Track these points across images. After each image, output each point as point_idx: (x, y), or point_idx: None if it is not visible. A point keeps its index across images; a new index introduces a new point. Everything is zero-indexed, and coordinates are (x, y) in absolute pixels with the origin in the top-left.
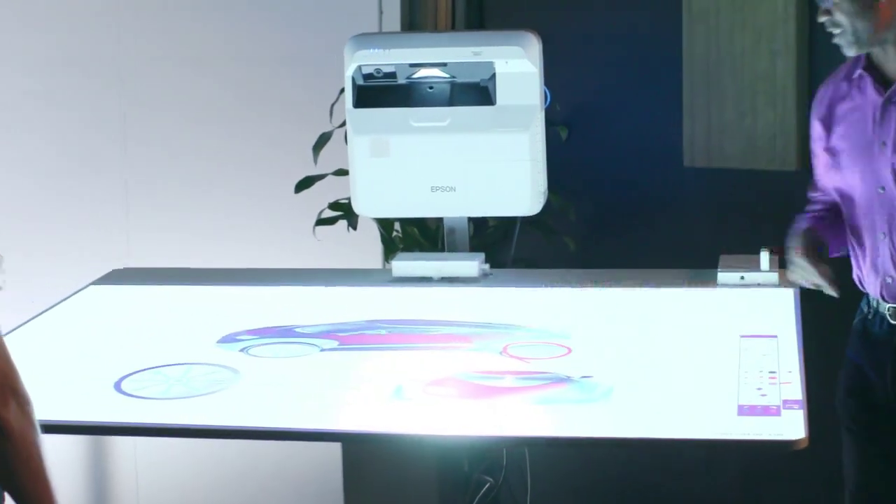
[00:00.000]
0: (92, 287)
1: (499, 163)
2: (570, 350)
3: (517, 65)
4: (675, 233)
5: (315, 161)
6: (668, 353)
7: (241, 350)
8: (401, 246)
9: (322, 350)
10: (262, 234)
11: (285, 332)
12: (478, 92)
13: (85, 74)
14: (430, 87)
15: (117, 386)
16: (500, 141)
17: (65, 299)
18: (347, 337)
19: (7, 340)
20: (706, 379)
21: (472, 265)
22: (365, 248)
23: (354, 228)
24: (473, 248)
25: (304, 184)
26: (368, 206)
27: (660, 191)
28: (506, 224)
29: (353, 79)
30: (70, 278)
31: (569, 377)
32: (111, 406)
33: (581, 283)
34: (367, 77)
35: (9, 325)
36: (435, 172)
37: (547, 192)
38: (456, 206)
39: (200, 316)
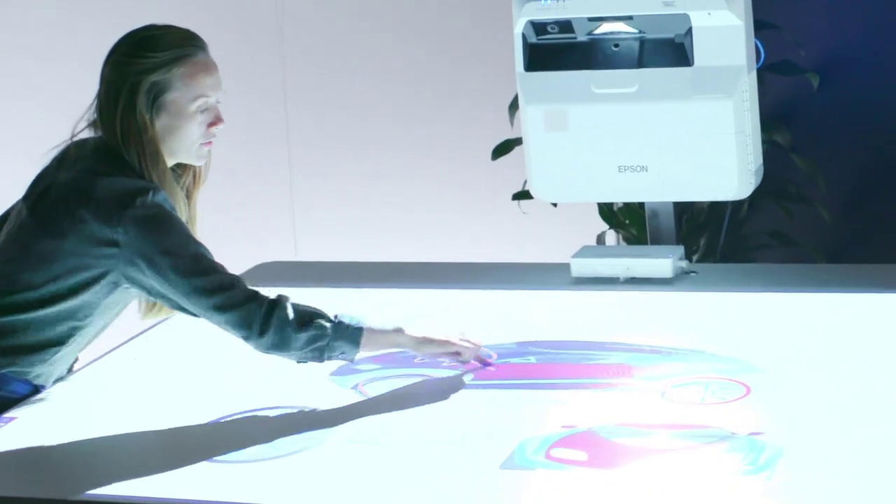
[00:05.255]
0: None
1: (698, 137)
2: (748, 390)
3: (719, 17)
4: None
5: (511, 123)
6: (876, 396)
7: (354, 387)
8: (626, 220)
9: None
10: (456, 207)
11: (410, 360)
12: (671, 50)
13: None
14: (615, 46)
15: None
16: (700, 110)
17: None
18: (486, 370)
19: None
20: None
21: (664, 264)
22: (579, 220)
23: (555, 204)
24: (707, 222)
25: (503, 149)
26: (546, 189)
27: None
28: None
29: (524, 36)
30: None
31: (733, 434)
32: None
33: (804, 285)
34: (540, 32)
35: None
36: (622, 149)
37: (762, 170)
38: (648, 190)
39: None
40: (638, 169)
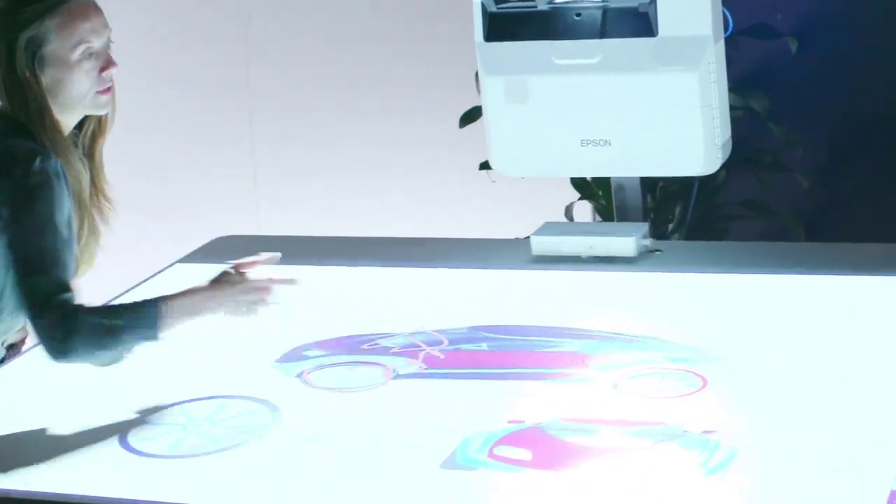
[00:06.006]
0: (178, 266)
1: (663, 110)
2: (705, 382)
3: None
4: None
5: (478, 90)
6: (837, 389)
7: (299, 375)
8: (598, 191)
9: (397, 376)
10: (424, 176)
11: (358, 347)
12: (635, 20)
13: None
14: (577, 15)
15: (125, 432)
16: (664, 82)
17: (143, 282)
18: (435, 357)
19: None
20: (865, 440)
21: (627, 243)
22: (550, 189)
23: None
24: (680, 191)
25: (470, 116)
26: (507, 163)
27: None
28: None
29: (483, 4)
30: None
31: (685, 432)
32: (111, 462)
33: (774, 265)
34: (500, 1)
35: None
36: (584, 122)
37: (730, 143)
38: (611, 164)
39: (281, 314)
40: (601, 143)
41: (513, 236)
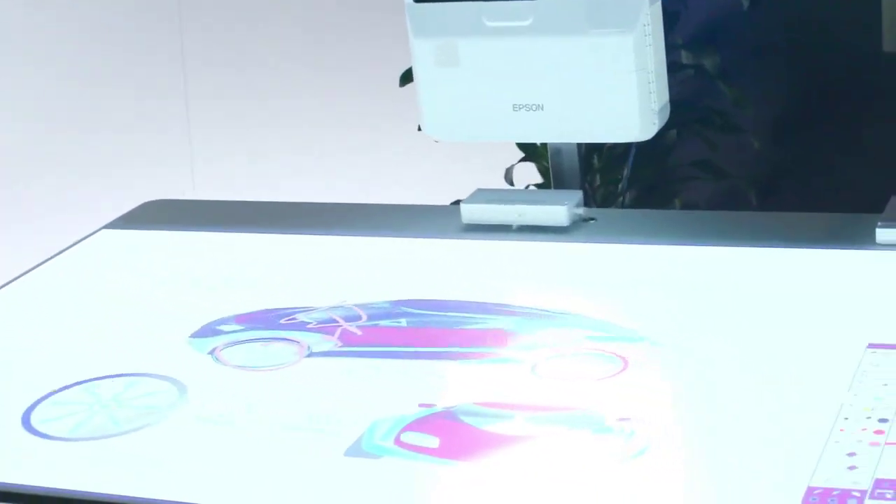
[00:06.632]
0: (103, 232)
1: (596, 75)
2: (626, 364)
3: None
4: (876, 132)
5: None
6: (764, 375)
7: (211, 352)
8: (545, 151)
9: (310, 354)
10: (364, 137)
11: (275, 321)
12: None
13: None
14: None
15: (28, 412)
16: (597, 46)
17: (66, 250)
18: (352, 334)
19: None
20: (785, 430)
21: (559, 211)
22: (495, 149)
23: None
24: (625, 154)
25: (411, 75)
26: (439, 128)
27: (853, 80)
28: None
29: None
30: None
31: (599, 418)
32: (12, 444)
33: (715, 237)
34: None
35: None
36: (516, 87)
37: (668, 108)
38: (544, 130)
39: (204, 286)
40: (533, 108)
41: (455, 198)
